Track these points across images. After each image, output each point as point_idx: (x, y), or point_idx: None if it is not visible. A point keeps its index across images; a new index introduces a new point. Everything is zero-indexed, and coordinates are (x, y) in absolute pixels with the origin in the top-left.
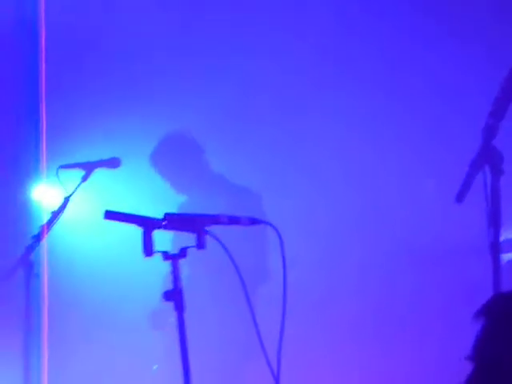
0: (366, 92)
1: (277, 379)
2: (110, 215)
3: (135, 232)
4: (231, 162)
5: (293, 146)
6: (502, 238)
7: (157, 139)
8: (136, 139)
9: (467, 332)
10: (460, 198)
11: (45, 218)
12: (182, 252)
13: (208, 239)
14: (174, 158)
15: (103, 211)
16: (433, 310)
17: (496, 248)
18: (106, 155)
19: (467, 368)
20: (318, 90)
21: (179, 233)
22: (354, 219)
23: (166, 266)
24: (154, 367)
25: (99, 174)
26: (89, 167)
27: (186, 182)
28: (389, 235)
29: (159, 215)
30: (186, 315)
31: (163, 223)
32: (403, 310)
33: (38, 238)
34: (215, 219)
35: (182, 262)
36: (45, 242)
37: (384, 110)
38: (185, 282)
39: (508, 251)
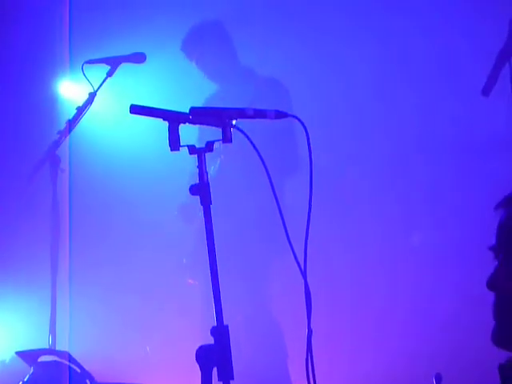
0: None
1: (304, 273)
2: (136, 109)
3: (161, 127)
4: (259, 54)
5: (321, 40)
6: None
7: (182, 34)
8: (161, 34)
9: (492, 224)
10: (486, 91)
11: (70, 114)
12: (208, 146)
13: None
14: (205, 45)
15: (129, 106)
16: (458, 201)
17: None
18: (131, 50)
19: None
20: None
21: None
22: (380, 113)
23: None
24: (184, 261)
25: (124, 69)
26: (114, 62)
27: (215, 71)
28: (415, 127)
29: (185, 110)
30: (214, 209)
31: (189, 117)
32: (425, 198)
33: (63, 133)
34: (241, 112)
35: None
36: (70, 138)
37: None
38: (212, 176)
39: None
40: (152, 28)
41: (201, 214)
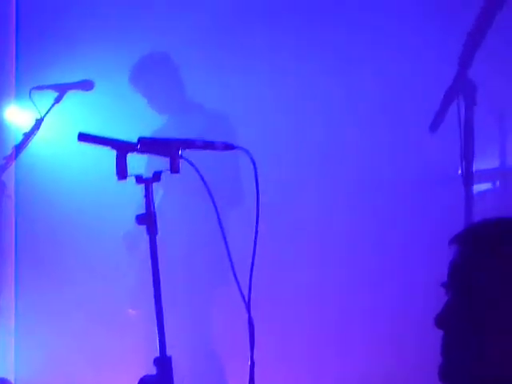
0: None
1: (247, 304)
2: (84, 137)
3: (109, 155)
4: (207, 87)
5: (270, 73)
6: (474, 169)
7: (130, 62)
8: (110, 62)
9: (440, 260)
10: (434, 127)
11: (17, 139)
12: (156, 176)
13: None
14: (153, 77)
15: (77, 133)
16: (405, 239)
17: (468, 179)
18: (79, 78)
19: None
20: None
21: (154, 158)
22: (328, 146)
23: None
24: (130, 311)
25: (72, 96)
26: (62, 89)
27: (164, 103)
28: (362, 164)
29: (133, 139)
30: (159, 239)
31: (137, 146)
32: (375, 238)
33: (9, 158)
34: (189, 143)
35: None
36: (16, 163)
37: None
38: (158, 206)
39: (480, 182)
40: (101, 55)
41: (146, 243)
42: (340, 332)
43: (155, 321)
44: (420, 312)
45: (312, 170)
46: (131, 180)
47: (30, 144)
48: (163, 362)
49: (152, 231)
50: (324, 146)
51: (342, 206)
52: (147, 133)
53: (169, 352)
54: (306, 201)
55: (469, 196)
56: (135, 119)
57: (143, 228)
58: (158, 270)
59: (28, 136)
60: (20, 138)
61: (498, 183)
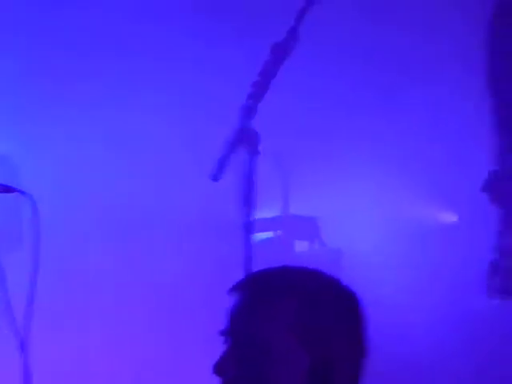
0: None
1: (23, 345)
2: None
3: None
4: None
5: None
6: (254, 218)
7: None
8: None
9: (220, 308)
10: (216, 176)
11: None
12: None
13: None
14: None
15: None
16: (182, 286)
17: (248, 227)
18: None
19: (221, 344)
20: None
21: None
22: (112, 190)
23: None
24: None
25: None
26: None
27: None
28: (143, 212)
29: None
30: None
31: None
32: (152, 288)
33: None
34: None
35: None
36: None
37: None
38: None
39: (259, 231)
40: None
41: None
42: None
43: None
44: (198, 361)
45: (97, 216)
46: None
47: None
48: None
49: None
50: (107, 192)
51: (125, 257)
52: None
53: None
54: (91, 251)
55: (249, 244)
56: None
57: None
58: None
59: None
60: None
61: (278, 232)
